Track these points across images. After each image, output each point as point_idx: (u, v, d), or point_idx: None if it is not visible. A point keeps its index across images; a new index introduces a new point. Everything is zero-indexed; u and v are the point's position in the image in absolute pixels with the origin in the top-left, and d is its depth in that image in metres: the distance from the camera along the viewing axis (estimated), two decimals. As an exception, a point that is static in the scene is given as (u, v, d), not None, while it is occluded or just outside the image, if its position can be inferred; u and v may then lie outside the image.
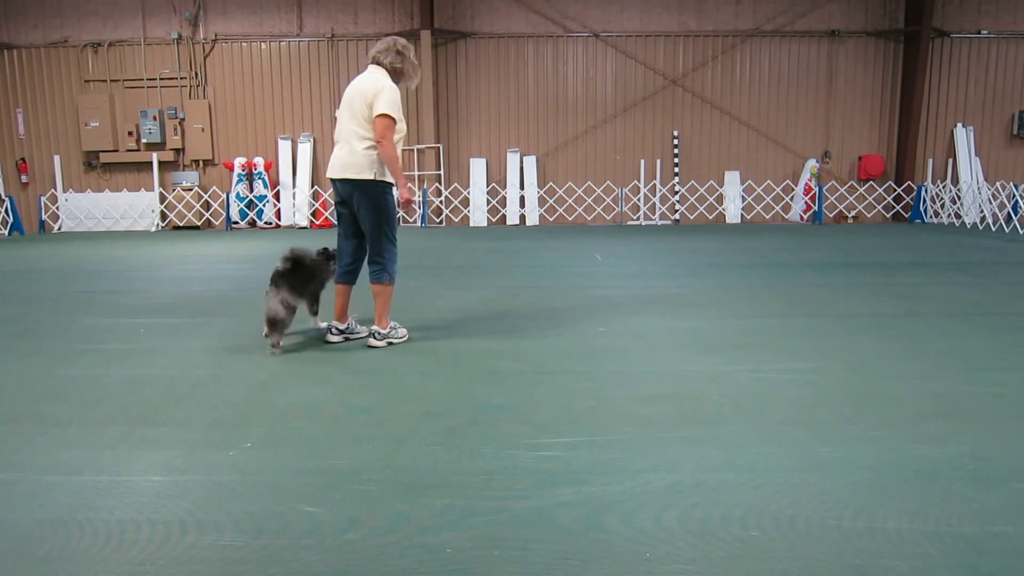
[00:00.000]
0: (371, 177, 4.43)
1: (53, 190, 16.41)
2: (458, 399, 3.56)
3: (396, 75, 4.54)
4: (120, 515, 2.35)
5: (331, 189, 17.42)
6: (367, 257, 4.68)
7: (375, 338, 4.69)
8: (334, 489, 2.53)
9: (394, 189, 4.53)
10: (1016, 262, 8.71)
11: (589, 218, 16.49)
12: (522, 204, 16.27)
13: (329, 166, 4.60)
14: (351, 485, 2.56)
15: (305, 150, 16.20)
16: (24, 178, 16.59)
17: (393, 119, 4.33)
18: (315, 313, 5.00)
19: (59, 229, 16.16)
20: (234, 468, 2.72)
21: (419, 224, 16.22)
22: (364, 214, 4.51)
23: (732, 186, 16.25)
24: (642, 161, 16.30)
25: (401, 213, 4.76)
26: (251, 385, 3.83)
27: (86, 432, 3.12)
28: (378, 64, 4.52)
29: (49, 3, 15.98)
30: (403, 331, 4.80)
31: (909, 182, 15.94)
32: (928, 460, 2.72)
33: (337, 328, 4.82)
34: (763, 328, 5.09)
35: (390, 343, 4.70)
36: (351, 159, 4.45)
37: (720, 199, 16.40)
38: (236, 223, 16.12)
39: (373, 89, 4.38)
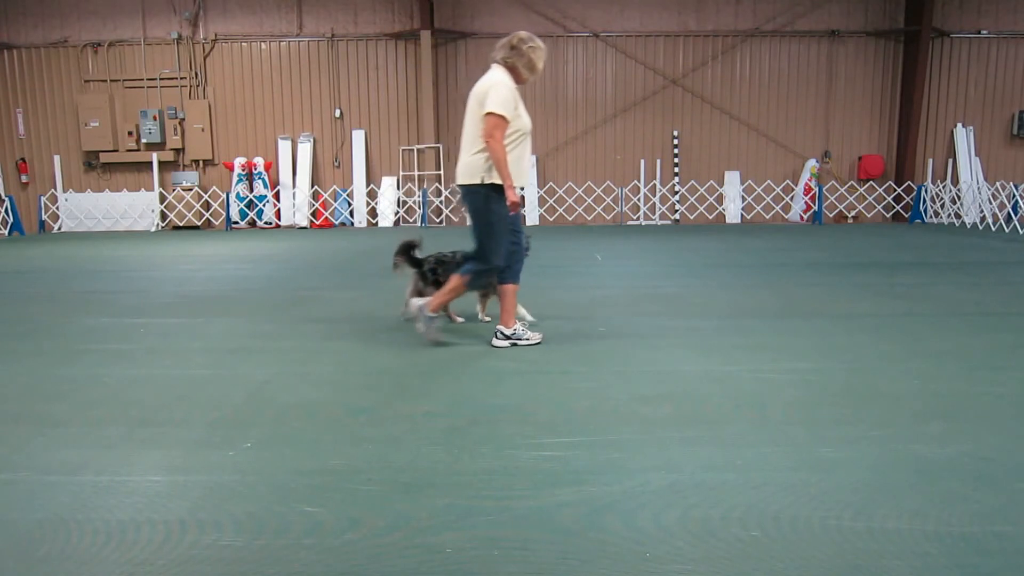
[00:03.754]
0: (475, 181, 4.28)
1: (53, 190, 16.41)
2: (458, 399, 3.55)
3: (512, 71, 4.37)
4: (120, 515, 2.35)
5: (331, 189, 17.30)
6: (471, 252, 4.53)
7: (416, 314, 4.58)
8: (334, 489, 2.53)
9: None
10: (1016, 262, 8.71)
11: (589, 218, 16.49)
12: (522, 204, 16.25)
13: None
14: (351, 485, 2.56)
15: (305, 150, 16.20)
16: (24, 178, 16.60)
17: (501, 116, 4.15)
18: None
19: (59, 229, 16.16)
20: (234, 468, 2.72)
21: (419, 224, 16.23)
22: (468, 212, 4.39)
23: (732, 186, 16.25)
24: (642, 161, 16.30)
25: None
26: (251, 385, 3.82)
27: (86, 432, 3.12)
28: (495, 62, 4.40)
29: (49, 3, 15.98)
30: (434, 333, 4.55)
31: (909, 182, 15.94)
32: (928, 460, 2.72)
33: (503, 332, 4.62)
34: (763, 328, 5.09)
35: (418, 326, 4.58)
36: (461, 165, 4.37)
37: (720, 199, 16.40)
38: (236, 223, 16.12)
39: (484, 88, 4.25)
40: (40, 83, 16.30)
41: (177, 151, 16.39)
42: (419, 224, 16.21)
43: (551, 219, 16.42)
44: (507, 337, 4.60)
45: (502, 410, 3.37)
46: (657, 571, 1.99)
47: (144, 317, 5.77)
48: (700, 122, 16.27)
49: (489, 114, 4.16)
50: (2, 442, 3.02)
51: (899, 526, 2.21)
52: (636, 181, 16.42)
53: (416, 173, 16.22)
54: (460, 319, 5.42)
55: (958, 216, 15.52)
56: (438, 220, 16.42)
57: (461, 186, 4.39)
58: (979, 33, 15.81)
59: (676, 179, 16.26)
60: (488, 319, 5.34)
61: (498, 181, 4.24)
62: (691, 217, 16.48)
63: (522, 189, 4.40)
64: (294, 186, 16.21)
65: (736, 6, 15.91)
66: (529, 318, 5.20)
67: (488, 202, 4.30)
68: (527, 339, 4.62)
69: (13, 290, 7.37)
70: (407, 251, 5.22)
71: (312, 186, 16.27)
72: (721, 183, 16.36)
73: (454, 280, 4.52)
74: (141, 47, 16.10)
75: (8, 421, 3.29)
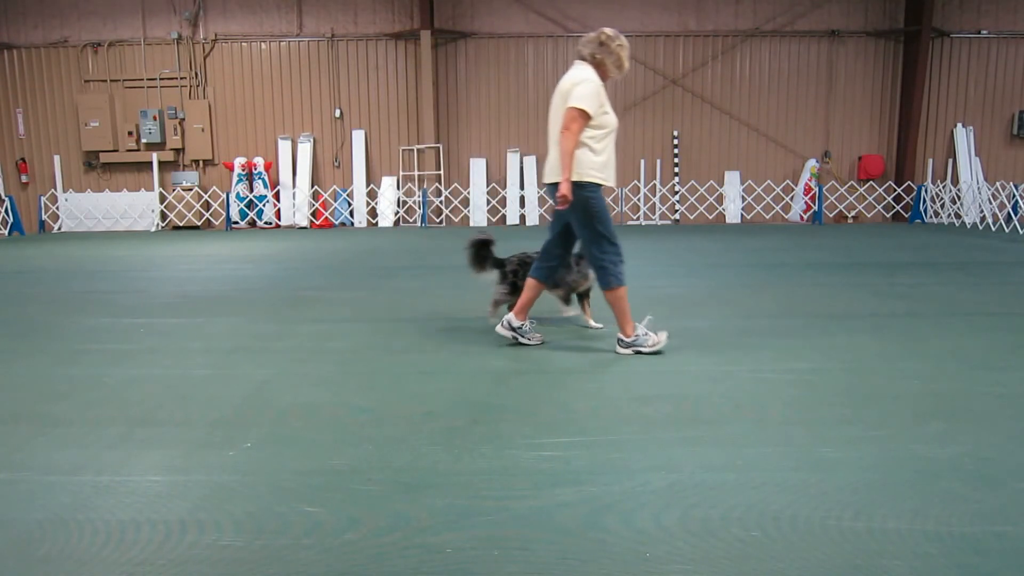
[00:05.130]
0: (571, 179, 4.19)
1: (53, 190, 16.41)
2: (458, 399, 3.55)
3: (599, 67, 4.26)
4: (120, 515, 2.35)
5: (331, 189, 17.27)
6: (590, 263, 4.43)
7: (620, 345, 4.38)
8: (334, 489, 2.53)
9: (599, 188, 4.24)
10: (1016, 262, 8.71)
11: (589, 218, 16.47)
12: (522, 204, 16.27)
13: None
14: (351, 485, 2.56)
15: (305, 150, 16.20)
16: (24, 178, 16.60)
17: (581, 111, 4.06)
18: (567, 303, 5.29)
19: (59, 229, 16.16)
20: (234, 468, 2.72)
21: (419, 224, 16.23)
22: (572, 218, 4.32)
23: (732, 186, 16.25)
24: (642, 161, 16.30)
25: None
26: (251, 385, 3.82)
27: (86, 432, 3.12)
28: (581, 58, 4.31)
29: (49, 3, 15.98)
30: (657, 337, 4.34)
31: (909, 182, 15.94)
32: (928, 460, 2.72)
33: (510, 323, 4.58)
34: (763, 328, 5.09)
35: (638, 352, 4.32)
36: (549, 163, 4.31)
37: (720, 199, 16.40)
38: (236, 223, 16.12)
39: (569, 84, 4.17)
40: (40, 83, 16.30)
41: (177, 151, 16.39)
42: (419, 224, 16.20)
43: (551, 219, 16.39)
44: (514, 330, 4.60)
45: (502, 410, 3.37)
46: (657, 571, 1.99)
47: (144, 317, 5.77)
48: (700, 122, 16.27)
49: (571, 108, 4.10)
50: (2, 442, 3.02)
51: (899, 526, 2.21)
52: (636, 181, 16.42)
53: (416, 173, 16.22)
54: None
55: (958, 216, 15.52)
56: (438, 220, 16.42)
57: (551, 185, 4.32)
58: (979, 33, 15.81)
59: (676, 179, 16.26)
60: (601, 326, 5.12)
61: (587, 178, 4.16)
62: (691, 217, 16.48)
63: (587, 188, 4.18)
64: (294, 186, 16.21)
65: (736, 6, 15.91)
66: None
67: (586, 196, 4.19)
68: (528, 340, 4.62)
69: (13, 290, 7.37)
70: (485, 250, 5.12)
71: (312, 186, 16.27)
72: (721, 183, 16.36)
73: (610, 296, 4.31)
74: (141, 47, 16.10)
75: (8, 421, 3.29)
